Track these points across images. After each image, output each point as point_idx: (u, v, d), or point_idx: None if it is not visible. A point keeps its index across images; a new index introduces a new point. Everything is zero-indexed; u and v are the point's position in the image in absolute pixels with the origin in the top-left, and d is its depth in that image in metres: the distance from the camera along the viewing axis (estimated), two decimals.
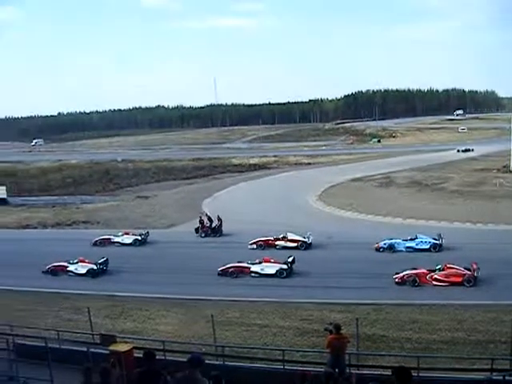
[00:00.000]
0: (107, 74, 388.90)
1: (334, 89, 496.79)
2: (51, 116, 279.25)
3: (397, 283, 30.05)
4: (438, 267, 30.19)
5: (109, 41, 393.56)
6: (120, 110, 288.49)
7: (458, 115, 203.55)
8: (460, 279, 29.35)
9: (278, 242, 39.59)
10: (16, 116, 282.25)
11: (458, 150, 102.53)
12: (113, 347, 16.27)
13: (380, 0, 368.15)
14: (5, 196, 71.15)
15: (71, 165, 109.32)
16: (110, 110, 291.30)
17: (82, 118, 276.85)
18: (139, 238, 42.96)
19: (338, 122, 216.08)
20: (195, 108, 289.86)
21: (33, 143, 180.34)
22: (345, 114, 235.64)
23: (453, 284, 29.29)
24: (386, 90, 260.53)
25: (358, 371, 15.93)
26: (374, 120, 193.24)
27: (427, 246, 36.72)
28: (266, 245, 39.49)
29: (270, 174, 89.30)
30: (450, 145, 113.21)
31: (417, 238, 37.47)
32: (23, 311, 25.42)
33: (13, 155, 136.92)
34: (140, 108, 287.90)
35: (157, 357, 10.99)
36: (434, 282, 29.78)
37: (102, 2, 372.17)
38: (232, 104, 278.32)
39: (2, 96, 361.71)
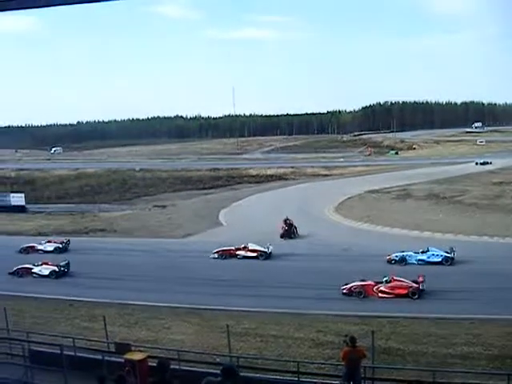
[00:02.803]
0: (125, 82, 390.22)
1: (352, 101, 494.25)
2: (70, 125, 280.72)
3: (344, 294, 30.98)
4: (384, 279, 31.09)
5: (128, 51, 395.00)
6: (138, 119, 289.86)
7: (476, 128, 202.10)
8: (405, 291, 30.30)
9: (238, 252, 41.35)
10: (35, 124, 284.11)
11: (476, 163, 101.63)
12: (127, 356, 16.30)
13: (400, 12, 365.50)
14: (23, 203, 71.69)
15: (89, 173, 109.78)
16: (128, 120, 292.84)
17: (101, 127, 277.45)
18: (60, 245, 45.70)
19: (356, 133, 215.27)
20: (213, 118, 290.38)
21: (52, 151, 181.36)
22: (363, 126, 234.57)
23: (398, 296, 30.25)
24: (404, 102, 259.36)
25: None
26: (392, 132, 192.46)
27: (439, 259, 36.96)
28: (228, 254, 41.28)
29: (287, 185, 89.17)
30: (468, 157, 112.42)
31: (428, 250, 37.68)
32: None
33: (32, 163, 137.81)
34: (158, 118, 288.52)
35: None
36: (380, 294, 30.69)
37: (122, 11, 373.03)
38: (250, 115, 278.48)
39: (21, 104, 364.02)
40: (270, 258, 40.92)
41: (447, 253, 37.08)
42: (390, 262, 37.43)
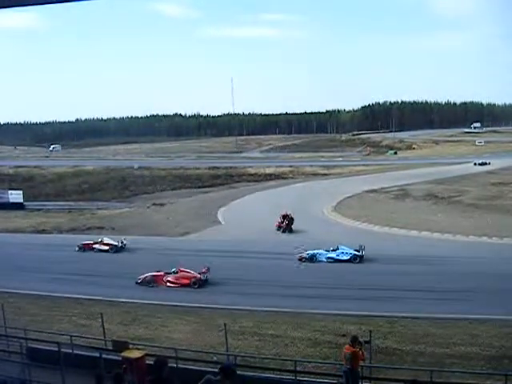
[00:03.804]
0: (124, 80, 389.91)
1: (351, 100, 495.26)
2: (69, 122, 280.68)
3: (137, 283, 33.20)
4: (173, 270, 33.57)
5: (127, 48, 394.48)
6: (137, 117, 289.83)
7: (475, 128, 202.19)
8: (188, 281, 33.02)
9: (95, 246, 43.45)
10: (34, 121, 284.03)
11: (475, 164, 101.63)
12: (125, 354, 16.29)
13: (400, 12, 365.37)
14: (21, 200, 71.70)
15: (88, 171, 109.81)
16: (127, 117, 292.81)
17: (100, 125, 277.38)
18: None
19: (355, 133, 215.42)
20: (212, 117, 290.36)
21: (50, 149, 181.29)
22: (361, 126, 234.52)
23: (182, 285, 32.97)
24: (403, 102, 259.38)
25: None
26: (391, 132, 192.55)
27: (347, 257, 37.79)
28: (87, 248, 43.33)
29: (286, 183, 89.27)
30: (467, 158, 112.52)
31: (338, 249, 38.54)
32: None
33: (30, 160, 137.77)
34: (157, 115, 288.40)
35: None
36: (168, 284, 33.34)
37: (122, 11, 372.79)
38: (249, 113, 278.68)
39: (20, 101, 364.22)
40: (122, 251, 43.17)
41: (357, 251, 37.92)
42: (301, 260, 38.08)
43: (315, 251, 38.51)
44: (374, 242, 44.30)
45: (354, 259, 37.53)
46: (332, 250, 38.51)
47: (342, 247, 38.60)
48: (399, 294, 29.50)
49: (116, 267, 37.92)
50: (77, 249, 43.19)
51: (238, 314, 26.49)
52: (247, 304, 28.19)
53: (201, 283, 32.86)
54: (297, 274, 35.06)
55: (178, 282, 33.37)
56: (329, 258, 38.17)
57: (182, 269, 33.70)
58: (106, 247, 43.13)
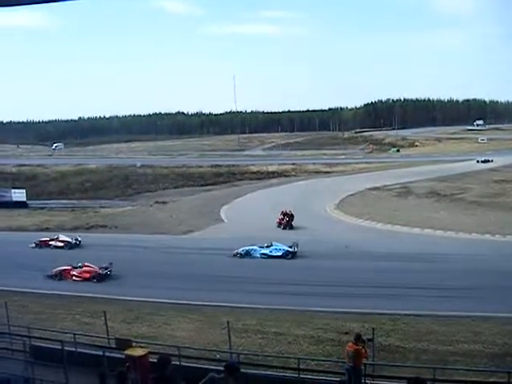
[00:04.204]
0: (127, 79, 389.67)
1: (353, 98, 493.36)
2: (72, 120, 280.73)
3: (49, 276, 35.61)
4: (78, 265, 36.09)
5: (129, 46, 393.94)
6: (140, 115, 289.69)
7: (478, 125, 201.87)
8: (89, 275, 35.53)
9: (51, 242, 45.25)
10: (37, 120, 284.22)
11: (478, 161, 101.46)
12: (128, 352, 16.32)
13: (403, 8, 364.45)
14: (25, 199, 71.75)
15: (90, 169, 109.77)
16: (129, 116, 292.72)
17: (102, 123, 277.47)
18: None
19: (358, 130, 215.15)
20: (215, 115, 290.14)
21: (53, 147, 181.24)
22: (364, 123, 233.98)
23: (85, 279, 35.39)
24: (405, 100, 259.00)
25: (373, 381, 15.83)
26: (394, 129, 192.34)
27: (280, 254, 39.56)
28: (44, 244, 45.04)
29: (289, 181, 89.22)
30: (470, 155, 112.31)
31: (272, 245, 40.15)
32: None
33: (33, 159, 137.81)
34: (160, 114, 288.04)
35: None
36: (74, 278, 35.69)
37: (124, 8, 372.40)
38: (251, 111, 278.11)
39: (23, 100, 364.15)
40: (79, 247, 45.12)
41: (290, 247, 39.48)
42: (235, 255, 39.66)
43: (250, 247, 40.29)
44: (374, 240, 44.62)
45: (286, 255, 39.26)
46: (266, 247, 40.19)
47: (276, 244, 40.26)
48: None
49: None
50: (33, 245, 44.81)
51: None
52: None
53: (100, 278, 35.28)
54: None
55: (81, 275, 35.76)
56: (262, 254, 39.89)
57: (86, 264, 36.27)
58: (62, 244, 44.95)
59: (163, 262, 39.45)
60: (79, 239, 45.86)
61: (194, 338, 22.61)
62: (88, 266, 36.09)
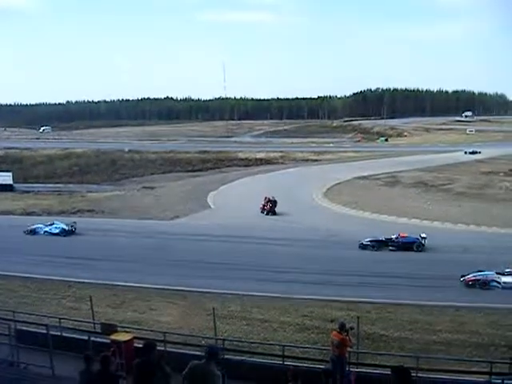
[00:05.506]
0: (116, 63, 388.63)
1: (343, 86, 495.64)
2: (60, 104, 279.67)
3: None
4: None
5: (120, 31, 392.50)
6: (128, 100, 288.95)
7: (466, 117, 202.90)
8: None
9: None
10: (25, 103, 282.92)
11: (466, 152, 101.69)
12: (113, 336, 16.34)
13: (392, 0, 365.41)
14: (11, 182, 71.30)
15: (78, 153, 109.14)
16: (118, 100, 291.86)
17: (90, 107, 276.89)
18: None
19: (346, 119, 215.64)
20: (204, 100, 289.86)
21: (41, 130, 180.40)
22: (353, 112, 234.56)
23: None
24: (395, 89, 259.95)
25: (357, 369, 15.90)
26: (382, 119, 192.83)
27: (57, 231, 42.88)
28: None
29: (276, 169, 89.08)
30: (458, 146, 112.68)
31: (53, 224, 43.75)
32: None
33: (20, 142, 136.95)
34: (148, 99, 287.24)
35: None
36: None
37: None
38: (240, 98, 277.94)
39: (11, 83, 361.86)
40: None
41: (66, 225, 43.12)
42: (25, 232, 42.84)
43: (36, 225, 43.55)
44: (356, 227, 44.83)
45: (61, 233, 42.63)
46: (49, 225, 43.53)
47: (57, 222, 43.79)
48: None
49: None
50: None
51: None
52: None
53: None
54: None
55: None
56: (45, 231, 43.01)
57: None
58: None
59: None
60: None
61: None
62: None
